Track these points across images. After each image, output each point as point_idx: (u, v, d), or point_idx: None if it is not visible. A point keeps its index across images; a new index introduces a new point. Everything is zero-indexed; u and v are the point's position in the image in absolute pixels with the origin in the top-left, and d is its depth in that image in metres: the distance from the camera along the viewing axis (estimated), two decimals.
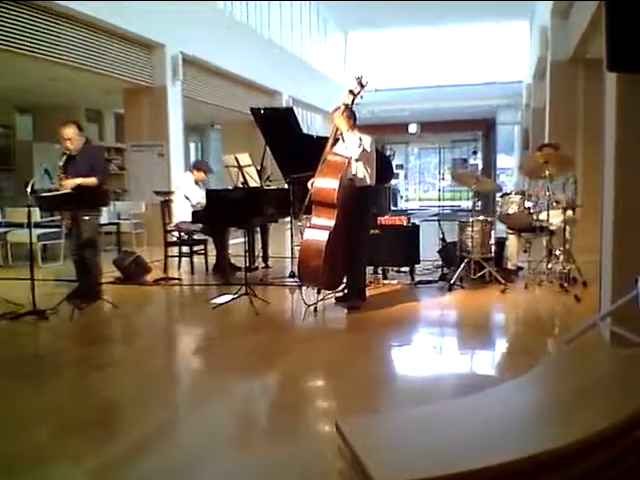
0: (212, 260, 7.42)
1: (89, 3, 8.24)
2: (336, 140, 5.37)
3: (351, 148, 5.14)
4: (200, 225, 7.14)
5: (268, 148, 7.13)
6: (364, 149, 5.11)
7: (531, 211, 6.23)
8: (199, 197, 7.10)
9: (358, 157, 5.12)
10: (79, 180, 5.36)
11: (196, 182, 7.42)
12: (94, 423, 3.02)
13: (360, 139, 5.14)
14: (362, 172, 5.23)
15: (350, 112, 5.26)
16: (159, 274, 7.09)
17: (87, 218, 5.49)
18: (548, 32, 10.33)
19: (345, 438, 1.77)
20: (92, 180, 5.42)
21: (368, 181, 5.27)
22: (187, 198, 7.22)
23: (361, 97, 5.27)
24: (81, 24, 8.61)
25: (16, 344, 4.64)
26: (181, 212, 7.24)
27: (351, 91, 5.24)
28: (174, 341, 5.03)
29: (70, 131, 5.45)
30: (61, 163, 5.42)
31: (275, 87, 14.88)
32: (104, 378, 3.76)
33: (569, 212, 6.15)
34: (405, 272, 6.80)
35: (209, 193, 6.97)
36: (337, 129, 5.26)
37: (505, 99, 20.35)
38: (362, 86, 5.22)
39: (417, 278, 6.64)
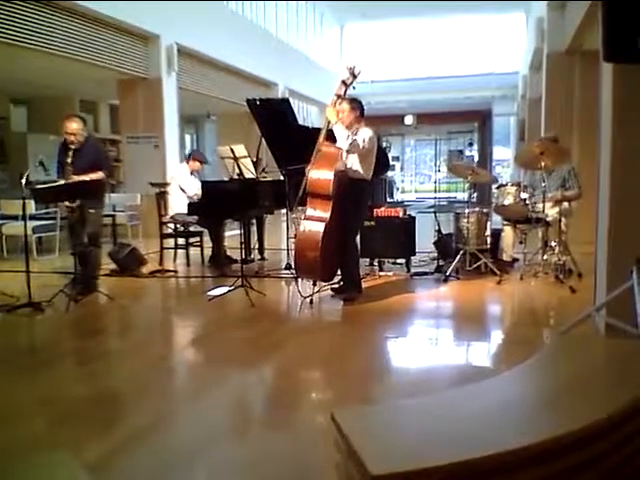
0: (208, 252, 7.42)
1: None
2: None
3: (340, 140, 5.10)
4: (196, 217, 7.13)
5: (264, 139, 7.09)
6: (354, 140, 5.01)
7: (527, 202, 6.23)
8: (195, 188, 7.08)
9: (348, 148, 5.06)
10: (87, 177, 5.36)
11: (191, 172, 7.41)
12: (90, 414, 3.02)
13: (356, 132, 5.08)
14: (356, 165, 5.18)
15: (356, 103, 5.18)
16: (155, 266, 7.09)
17: (92, 211, 5.48)
18: (544, 23, 10.30)
19: (341, 429, 1.78)
20: (100, 174, 5.46)
21: (362, 172, 5.19)
22: (183, 190, 7.21)
23: (353, 87, 5.19)
24: (76, 15, 8.54)
25: (12, 336, 4.64)
26: (177, 204, 7.22)
27: (343, 81, 5.16)
28: (170, 333, 5.03)
29: (75, 126, 5.41)
30: (69, 160, 5.32)
31: (271, 78, 14.82)
32: (100, 369, 3.76)
33: (565, 203, 6.16)
34: (401, 264, 6.81)
35: (205, 184, 6.95)
36: (329, 122, 5.18)
37: (501, 90, 20.33)
38: (354, 76, 5.13)
39: (413, 270, 6.65)
